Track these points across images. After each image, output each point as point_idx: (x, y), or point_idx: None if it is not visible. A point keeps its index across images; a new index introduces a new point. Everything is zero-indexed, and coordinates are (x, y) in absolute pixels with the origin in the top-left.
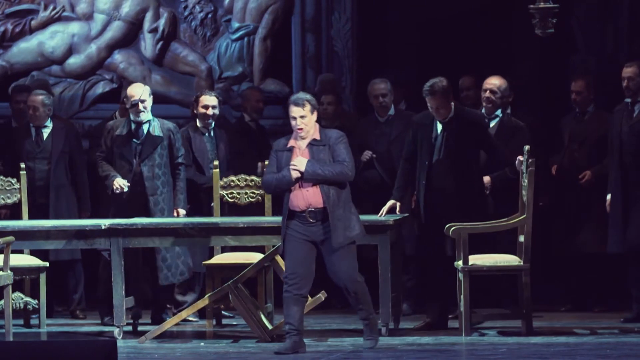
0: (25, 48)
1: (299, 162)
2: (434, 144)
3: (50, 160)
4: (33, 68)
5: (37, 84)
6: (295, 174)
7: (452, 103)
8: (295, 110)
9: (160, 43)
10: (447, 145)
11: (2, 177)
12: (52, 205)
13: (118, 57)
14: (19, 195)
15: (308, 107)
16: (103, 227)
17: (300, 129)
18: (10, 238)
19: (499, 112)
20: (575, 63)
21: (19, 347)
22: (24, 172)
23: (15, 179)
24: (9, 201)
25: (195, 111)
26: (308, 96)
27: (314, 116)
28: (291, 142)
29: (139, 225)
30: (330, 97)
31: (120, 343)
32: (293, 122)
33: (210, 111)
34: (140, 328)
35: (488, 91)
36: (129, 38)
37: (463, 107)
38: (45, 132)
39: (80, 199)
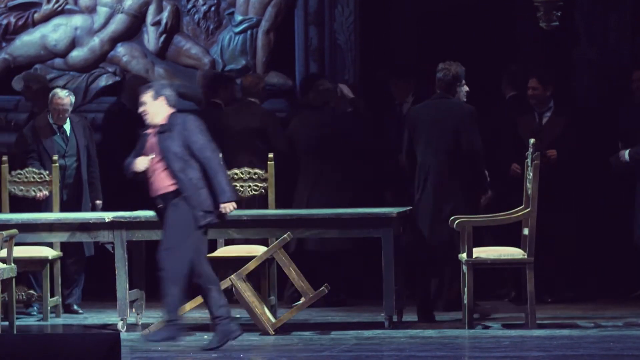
0: (28, 41)
1: (139, 162)
2: None
3: (78, 156)
4: (36, 61)
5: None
6: (134, 169)
7: None
8: (140, 97)
9: (164, 36)
10: None
11: (34, 169)
12: (85, 199)
13: (121, 50)
14: (50, 188)
15: (150, 93)
16: (107, 220)
17: (144, 114)
18: (14, 231)
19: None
20: (577, 56)
21: (23, 340)
22: (57, 164)
23: (47, 172)
24: (40, 194)
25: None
26: (157, 84)
27: (157, 102)
28: (150, 129)
29: (142, 217)
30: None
31: (123, 336)
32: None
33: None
34: (143, 320)
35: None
36: (132, 31)
37: None
38: (67, 129)
39: (93, 188)
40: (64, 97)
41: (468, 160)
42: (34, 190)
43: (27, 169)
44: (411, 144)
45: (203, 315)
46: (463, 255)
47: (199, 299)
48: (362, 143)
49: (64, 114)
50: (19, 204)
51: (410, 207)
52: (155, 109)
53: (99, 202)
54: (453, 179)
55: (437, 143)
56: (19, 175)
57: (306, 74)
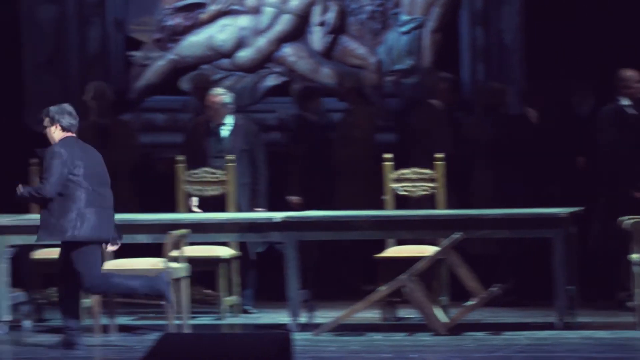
0: (194, 42)
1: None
2: None
3: (234, 159)
4: (202, 62)
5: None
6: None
7: None
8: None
9: (329, 36)
10: None
11: (208, 169)
12: (243, 203)
13: (287, 50)
14: (226, 187)
15: (46, 120)
16: (277, 220)
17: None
18: (186, 231)
19: None
20: None
21: (195, 339)
22: (234, 164)
23: (222, 171)
24: (214, 193)
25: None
26: (51, 110)
27: (51, 129)
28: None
29: (313, 218)
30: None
31: (295, 336)
32: None
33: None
34: (315, 320)
35: None
36: (297, 31)
37: None
38: (224, 131)
39: (256, 194)
40: (217, 95)
41: None
42: (209, 190)
43: (203, 169)
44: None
45: (374, 316)
46: (635, 256)
47: (369, 300)
48: (534, 144)
49: (218, 113)
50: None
51: (583, 207)
52: (50, 135)
53: (259, 210)
54: None
55: None
56: (194, 175)
57: (472, 74)
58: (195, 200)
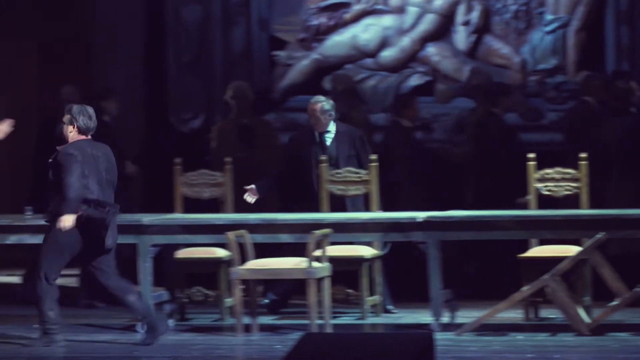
0: (339, 41)
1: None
2: None
3: (337, 165)
4: (346, 61)
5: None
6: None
7: None
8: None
9: (474, 36)
10: None
11: (351, 168)
12: (350, 209)
13: (431, 49)
14: (368, 187)
15: (66, 117)
16: (420, 220)
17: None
18: (329, 230)
19: None
20: None
21: (337, 339)
22: (376, 164)
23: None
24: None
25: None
26: (73, 109)
27: (69, 128)
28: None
29: (455, 218)
30: None
31: (437, 336)
32: None
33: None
34: (457, 320)
35: None
36: (442, 31)
37: None
38: (327, 138)
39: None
40: (317, 102)
41: None
42: (352, 189)
43: (346, 169)
44: None
45: (517, 316)
46: None
47: (511, 299)
48: None
49: (318, 121)
50: None
51: None
52: (66, 132)
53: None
54: None
55: None
56: (337, 174)
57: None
58: None
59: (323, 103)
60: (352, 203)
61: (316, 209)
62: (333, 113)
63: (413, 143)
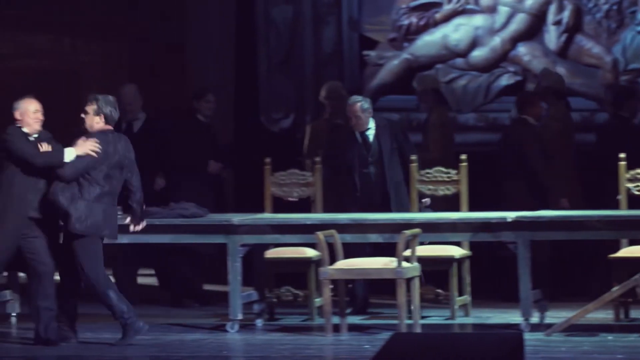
0: (429, 41)
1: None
2: None
3: (381, 162)
4: (437, 61)
5: (425, 79)
6: None
7: None
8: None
9: (565, 35)
10: None
11: (441, 168)
12: (393, 203)
13: (522, 49)
14: (458, 187)
15: (91, 107)
16: (509, 220)
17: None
18: (417, 230)
19: None
20: None
21: (425, 338)
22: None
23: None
24: (447, 192)
25: None
26: (99, 99)
27: (95, 118)
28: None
29: (545, 218)
30: None
31: (526, 336)
32: None
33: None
34: (547, 320)
35: None
36: (533, 30)
37: None
38: (370, 135)
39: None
40: (355, 102)
41: None
42: (441, 189)
43: (436, 169)
44: None
45: (607, 316)
46: None
47: (601, 300)
48: None
49: (360, 120)
50: None
51: None
52: (89, 120)
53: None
54: None
55: None
56: (427, 174)
57: None
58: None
59: (362, 102)
60: (396, 200)
61: (365, 210)
62: (372, 110)
63: (540, 140)
